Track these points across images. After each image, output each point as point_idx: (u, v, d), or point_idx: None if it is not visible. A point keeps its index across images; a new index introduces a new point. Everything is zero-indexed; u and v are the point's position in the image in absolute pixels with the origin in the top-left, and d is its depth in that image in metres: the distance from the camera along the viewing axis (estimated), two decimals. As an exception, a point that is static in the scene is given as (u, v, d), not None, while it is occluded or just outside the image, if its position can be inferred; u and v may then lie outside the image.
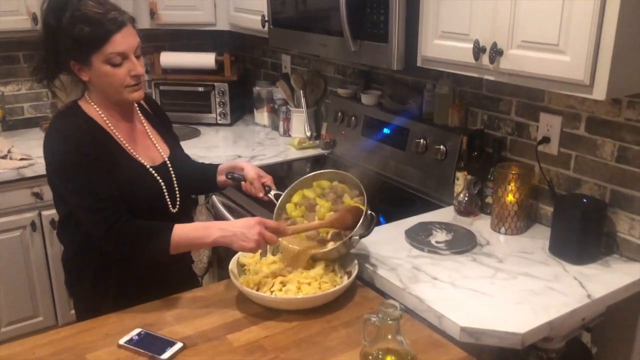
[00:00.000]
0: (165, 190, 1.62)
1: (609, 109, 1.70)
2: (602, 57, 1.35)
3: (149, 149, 1.65)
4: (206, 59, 3.25)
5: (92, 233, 1.48)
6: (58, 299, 2.82)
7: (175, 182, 1.66)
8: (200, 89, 3.25)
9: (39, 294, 2.80)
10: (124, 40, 1.49)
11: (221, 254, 2.40)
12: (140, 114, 1.70)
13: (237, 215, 2.25)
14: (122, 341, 1.35)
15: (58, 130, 1.52)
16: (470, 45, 1.61)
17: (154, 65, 3.36)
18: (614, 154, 1.72)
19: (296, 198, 1.71)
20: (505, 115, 2.03)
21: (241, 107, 3.42)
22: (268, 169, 2.53)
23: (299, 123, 2.96)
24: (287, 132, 3.05)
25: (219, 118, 3.28)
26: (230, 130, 3.25)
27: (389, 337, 1.19)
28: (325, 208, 1.64)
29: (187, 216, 1.76)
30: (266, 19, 2.46)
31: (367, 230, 1.58)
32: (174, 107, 3.31)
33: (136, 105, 1.69)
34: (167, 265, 1.58)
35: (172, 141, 1.78)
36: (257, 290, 1.51)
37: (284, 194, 1.72)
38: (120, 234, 1.45)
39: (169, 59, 3.29)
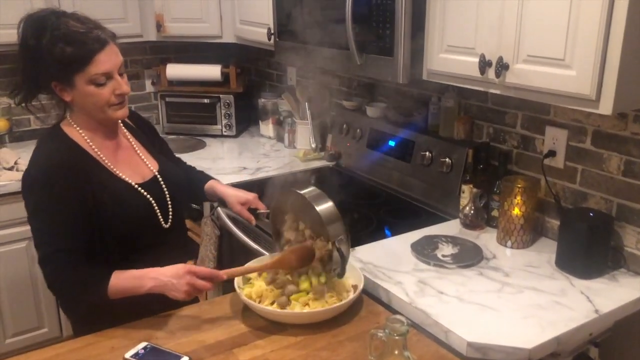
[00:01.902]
0: (155, 206, 1.59)
1: (615, 122, 1.70)
2: (608, 72, 1.35)
3: (137, 166, 1.63)
4: (212, 71, 3.27)
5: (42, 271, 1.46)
6: (63, 311, 2.81)
7: (167, 195, 1.63)
8: (206, 100, 3.26)
9: (44, 305, 2.80)
10: (108, 59, 1.45)
11: (227, 267, 2.39)
12: (126, 131, 1.67)
13: (242, 227, 2.25)
14: (128, 355, 1.35)
15: (37, 160, 1.48)
16: (476, 59, 1.62)
17: (160, 77, 3.38)
18: (621, 167, 1.71)
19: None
20: (511, 128, 2.03)
21: (246, 119, 3.43)
22: (273, 180, 2.55)
23: (304, 135, 2.96)
24: (292, 144, 3.06)
25: (224, 130, 3.29)
26: (235, 141, 3.26)
27: (396, 352, 1.19)
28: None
29: (180, 230, 1.74)
30: (272, 31, 2.47)
31: (341, 268, 1.52)
32: (179, 118, 3.34)
33: (120, 122, 1.66)
34: None
35: (160, 154, 1.75)
36: (260, 301, 1.51)
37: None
38: (61, 287, 1.46)
39: (175, 71, 3.31)
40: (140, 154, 1.66)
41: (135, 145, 1.66)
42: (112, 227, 1.50)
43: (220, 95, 3.25)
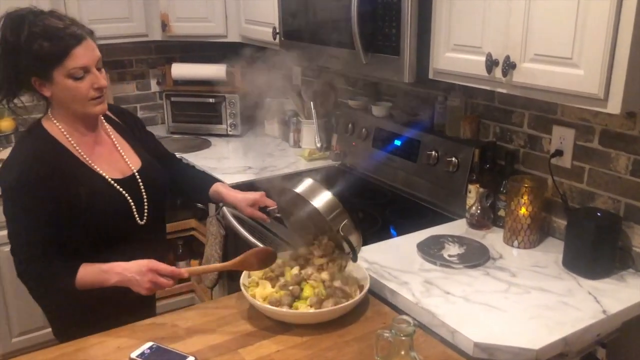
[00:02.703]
0: (132, 202, 1.61)
1: (623, 122, 1.69)
2: (616, 71, 1.34)
3: (116, 162, 1.64)
4: (217, 71, 3.27)
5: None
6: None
7: (144, 193, 1.65)
8: (211, 100, 3.26)
9: (50, 304, 2.80)
10: (85, 54, 1.48)
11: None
12: (108, 127, 1.69)
13: (247, 227, 2.25)
14: (134, 354, 1.35)
15: (14, 157, 1.52)
16: (483, 58, 1.61)
17: (165, 77, 3.38)
18: (629, 167, 1.70)
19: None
20: (517, 128, 2.02)
21: (251, 119, 3.42)
22: (278, 180, 2.56)
23: (310, 134, 2.95)
24: (297, 144, 3.06)
25: (229, 129, 3.29)
26: (240, 141, 3.26)
27: (402, 352, 1.18)
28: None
29: (158, 229, 1.74)
30: (277, 30, 2.47)
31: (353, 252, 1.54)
32: (185, 118, 3.33)
33: (103, 118, 1.68)
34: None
35: (146, 151, 1.76)
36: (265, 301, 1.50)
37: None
38: (29, 277, 1.52)
39: (180, 70, 3.31)
40: (121, 151, 1.67)
41: (116, 141, 1.68)
42: (86, 221, 1.53)
43: (226, 95, 3.25)
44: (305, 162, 2.83)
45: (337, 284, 1.52)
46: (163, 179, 1.76)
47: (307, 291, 1.51)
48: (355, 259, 1.56)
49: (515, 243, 1.86)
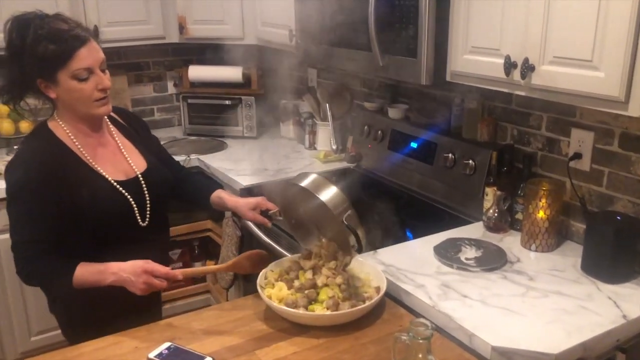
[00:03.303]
0: (134, 204, 1.63)
1: (644, 124, 1.67)
2: (638, 73, 1.32)
3: (120, 164, 1.66)
4: (233, 73, 3.28)
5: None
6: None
7: (147, 195, 1.66)
8: (228, 102, 3.28)
9: (68, 304, 2.83)
10: (89, 55, 1.51)
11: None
12: (113, 128, 1.71)
13: (263, 228, 2.25)
14: (151, 355, 1.36)
15: (20, 155, 1.56)
16: (501, 61, 1.60)
17: (182, 79, 3.40)
18: (649, 170, 1.68)
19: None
20: (535, 131, 2.00)
21: (267, 120, 3.43)
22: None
23: (325, 136, 2.96)
24: (312, 145, 3.06)
25: (245, 131, 3.30)
26: (256, 143, 3.27)
27: (420, 356, 1.18)
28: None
29: (160, 230, 1.76)
30: (294, 33, 2.47)
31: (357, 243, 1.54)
32: (201, 120, 3.35)
33: (107, 120, 1.70)
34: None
35: (151, 153, 1.77)
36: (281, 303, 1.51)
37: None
38: (28, 275, 1.53)
39: (197, 72, 3.33)
40: (125, 153, 1.69)
41: (120, 143, 1.70)
42: (88, 222, 1.55)
43: (242, 97, 3.26)
44: (320, 164, 2.84)
45: (345, 286, 1.52)
46: (167, 181, 1.78)
47: (323, 294, 1.51)
48: (360, 250, 1.55)
49: (533, 246, 1.84)
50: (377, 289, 1.56)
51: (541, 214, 1.80)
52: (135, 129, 1.80)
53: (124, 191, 1.62)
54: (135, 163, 1.69)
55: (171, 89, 3.60)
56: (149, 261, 1.50)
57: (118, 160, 1.67)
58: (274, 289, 1.56)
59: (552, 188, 1.82)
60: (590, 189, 1.85)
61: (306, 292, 1.51)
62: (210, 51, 3.36)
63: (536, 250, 1.84)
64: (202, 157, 2.96)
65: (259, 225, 2.26)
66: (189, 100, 3.34)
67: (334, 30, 2.22)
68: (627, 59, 1.32)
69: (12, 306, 2.73)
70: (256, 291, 1.56)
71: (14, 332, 2.76)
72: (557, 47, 1.48)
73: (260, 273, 1.62)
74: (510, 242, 1.90)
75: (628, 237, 1.64)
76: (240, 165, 2.84)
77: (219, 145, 3.20)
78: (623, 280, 1.64)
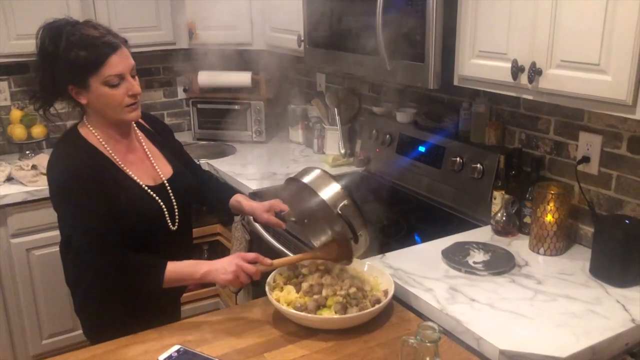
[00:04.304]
0: (165, 208, 1.65)
1: (652, 128, 1.67)
2: (645, 77, 1.33)
3: (148, 169, 1.68)
4: (242, 78, 3.31)
5: (87, 263, 1.52)
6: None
7: (174, 200, 1.68)
8: (237, 107, 3.30)
9: (79, 307, 2.86)
10: (120, 62, 1.52)
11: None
12: (140, 134, 1.73)
13: (272, 232, 2.27)
14: (161, 357, 1.37)
15: (59, 158, 1.57)
16: (509, 65, 1.61)
17: (192, 84, 3.43)
18: (658, 174, 1.68)
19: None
20: (543, 134, 2.00)
21: (276, 125, 3.45)
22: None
23: (333, 140, 2.97)
24: (321, 150, 3.07)
25: (254, 135, 3.32)
26: (265, 147, 3.29)
27: (427, 359, 1.18)
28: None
29: (187, 233, 1.78)
30: (302, 38, 2.49)
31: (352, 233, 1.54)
32: (210, 124, 3.38)
33: (135, 125, 1.72)
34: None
35: (175, 158, 1.79)
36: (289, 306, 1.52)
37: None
38: (116, 269, 1.50)
39: (207, 77, 3.36)
40: (152, 158, 1.71)
41: (147, 149, 1.72)
42: (124, 226, 1.56)
43: (251, 102, 3.28)
44: (329, 168, 2.84)
45: (353, 290, 1.54)
46: (192, 187, 1.80)
47: (332, 299, 1.52)
48: (356, 241, 1.55)
49: (542, 250, 1.84)
50: (385, 293, 1.56)
51: (549, 218, 1.80)
52: (161, 134, 1.82)
53: (155, 196, 1.63)
54: (162, 169, 1.71)
55: (181, 94, 3.62)
56: (241, 254, 1.53)
57: (146, 166, 1.68)
58: (282, 292, 1.57)
59: (561, 192, 1.82)
60: (599, 193, 1.85)
61: (315, 297, 1.52)
62: (219, 56, 3.39)
63: (544, 254, 1.84)
64: (212, 162, 2.98)
65: (268, 229, 2.27)
66: (199, 105, 3.37)
67: (342, 35, 2.23)
68: (635, 63, 1.33)
69: (24, 309, 2.75)
70: (265, 295, 1.57)
71: (26, 334, 2.79)
72: (564, 51, 1.48)
73: (270, 276, 1.63)
74: (519, 245, 1.90)
75: (637, 240, 1.64)
76: (249, 170, 2.86)
77: (228, 149, 3.22)
78: (632, 284, 1.63)
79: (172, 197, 1.68)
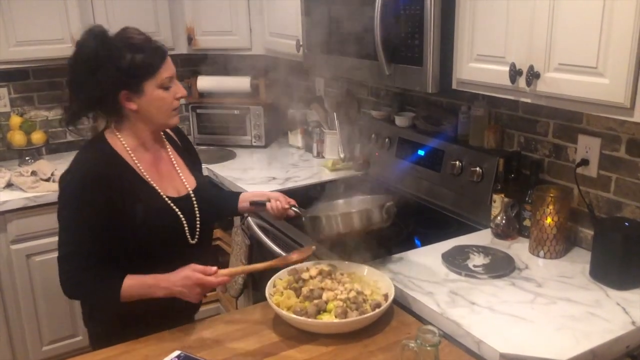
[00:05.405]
0: (185, 222, 1.62)
1: (651, 130, 1.67)
2: (643, 80, 1.33)
3: (173, 180, 1.66)
4: (242, 83, 3.31)
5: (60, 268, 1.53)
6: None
7: (197, 214, 1.66)
8: (236, 111, 3.30)
9: (79, 313, 2.83)
10: (171, 65, 1.56)
11: (255, 276, 2.42)
12: (168, 145, 1.72)
13: (272, 237, 2.27)
14: (161, 363, 1.37)
15: (76, 164, 1.54)
16: (507, 68, 1.61)
17: (191, 89, 3.43)
18: (657, 176, 1.68)
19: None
20: (542, 137, 2.01)
21: (275, 130, 3.46)
22: (302, 190, 2.57)
23: (333, 145, 2.97)
24: (320, 154, 3.07)
25: (254, 140, 3.33)
26: (264, 152, 3.29)
27: (428, 363, 1.18)
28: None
29: (205, 246, 1.76)
30: (301, 43, 2.49)
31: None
32: (210, 129, 3.39)
33: (163, 135, 1.71)
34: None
35: (198, 172, 1.80)
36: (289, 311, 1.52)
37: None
38: (74, 288, 1.53)
39: (206, 83, 3.37)
40: (178, 169, 1.70)
41: (174, 160, 1.71)
42: (139, 237, 1.54)
43: (250, 107, 3.29)
44: (328, 172, 2.85)
45: (353, 294, 1.54)
46: (215, 199, 1.81)
47: (332, 303, 1.52)
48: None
49: (541, 253, 1.84)
50: (385, 297, 1.56)
51: (549, 221, 1.80)
52: (185, 146, 1.82)
53: (175, 208, 1.61)
54: (187, 180, 1.70)
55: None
56: (193, 265, 1.51)
57: (171, 177, 1.67)
58: (282, 297, 1.57)
59: (560, 194, 1.82)
60: (598, 195, 1.85)
61: (315, 301, 1.52)
62: (218, 62, 3.40)
63: (544, 257, 1.84)
64: (211, 167, 2.98)
65: (268, 233, 2.28)
66: (198, 110, 3.37)
67: (340, 39, 2.24)
68: (632, 65, 1.33)
69: (24, 315, 2.75)
70: (265, 300, 1.57)
71: (26, 341, 2.79)
72: (562, 54, 1.49)
73: (270, 281, 1.63)
74: (519, 248, 1.90)
75: (637, 243, 1.64)
76: (248, 174, 2.86)
77: (227, 154, 3.23)
78: (632, 287, 1.63)
79: (196, 208, 1.66)
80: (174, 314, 1.56)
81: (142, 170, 1.59)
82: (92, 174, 1.51)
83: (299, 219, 1.81)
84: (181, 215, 1.62)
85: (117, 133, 1.59)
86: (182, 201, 1.64)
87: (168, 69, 1.54)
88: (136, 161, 1.58)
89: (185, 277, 1.49)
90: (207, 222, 1.71)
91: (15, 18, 2.71)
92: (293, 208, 1.79)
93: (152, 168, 1.62)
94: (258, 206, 1.84)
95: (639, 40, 1.31)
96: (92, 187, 1.49)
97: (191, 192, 1.67)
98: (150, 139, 1.63)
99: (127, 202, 1.52)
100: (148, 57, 1.50)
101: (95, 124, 1.67)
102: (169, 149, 1.71)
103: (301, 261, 1.67)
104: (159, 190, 1.60)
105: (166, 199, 1.60)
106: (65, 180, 1.54)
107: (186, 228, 1.63)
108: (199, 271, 1.50)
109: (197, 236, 1.66)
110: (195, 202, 1.67)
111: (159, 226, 1.57)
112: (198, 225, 1.66)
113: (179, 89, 1.58)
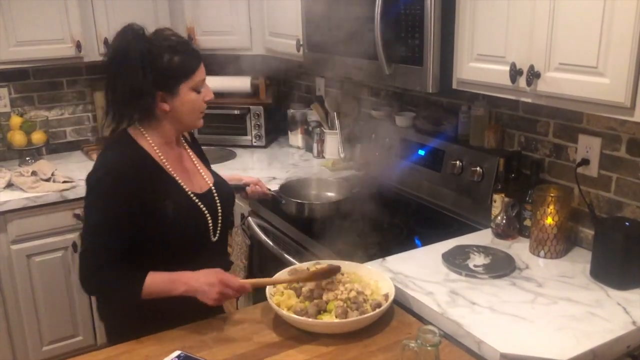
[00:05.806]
0: (209, 219, 1.63)
1: (651, 130, 1.67)
2: (643, 79, 1.33)
3: (195, 176, 1.67)
4: (242, 83, 3.31)
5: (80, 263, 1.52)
6: (97, 319, 2.87)
7: (219, 209, 1.67)
8: (236, 112, 3.30)
9: (79, 314, 2.86)
10: (203, 68, 1.57)
11: (257, 276, 2.42)
12: (185, 144, 1.73)
13: (273, 237, 2.27)
14: (162, 363, 1.37)
15: (103, 161, 1.54)
16: (507, 68, 1.61)
17: (191, 89, 3.43)
18: (657, 176, 1.68)
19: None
20: (542, 137, 2.01)
21: (276, 129, 3.46)
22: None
23: (333, 145, 2.97)
24: (321, 154, 3.07)
25: (254, 140, 3.33)
26: (265, 152, 3.29)
27: (428, 363, 1.18)
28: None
29: (224, 243, 1.76)
30: (301, 43, 2.49)
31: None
32: (210, 129, 3.36)
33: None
34: None
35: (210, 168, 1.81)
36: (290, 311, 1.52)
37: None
38: (97, 285, 1.51)
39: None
40: (198, 166, 1.71)
41: (194, 158, 1.72)
42: (165, 234, 1.55)
43: (250, 107, 3.29)
44: (329, 172, 2.85)
45: (354, 294, 1.53)
46: (232, 195, 1.82)
47: (332, 303, 1.52)
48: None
49: (542, 253, 1.84)
50: (386, 297, 1.56)
51: (549, 221, 1.80)
52: (198, 147, 1.83)
53: (201, 205, 1.61)
54: (207, 176, 1.71)
55: (180, 99, 3.62)
56: (221, 270, 1.51)
57: (194, 174, 1.68)
58: (283, 297, 1.57)
59: (560, 194, 1.82)
60: (599, 195, 1.85)
61: (316, 301, 1.52)
62: (218, 62, 3.40)
63: (545, 257, 1.83)
64: (212, 167, 2.97)
65: (268, 233, 2.28)
66: (198, 111, 3.37)
67: (340, 39, 2.23)
68: (632, 65, 1.33)
69: (25, 315, 2.75)
70: (265, 300, 1.57)
71: (26, 341, 2.78)
72: (562, 54, 1.48)
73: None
74: (519, 248, 1.90)
75: (637, 243, 1.64)
76: (249, 174, 2.82)
77: (228, 154, 3.23)
78: (633, 287, 1.63)
79: (218, 204, 1.67)
80: (190, 314, 1.54)
81: (169, 168, 1.59)
82: (121, 169, 1.51)
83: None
84: (206, 212, 1.62)
85: (144, 131, 1.58)
86: (206, 197, 1.65)
87: (202, 72, 1.55)
88: (163, 159, 1.59)
89: (209, 274, 1.49)
90: (226, 217, 1.73)
91: (15, 18, 2.70)
92: (271, 191, 1.88)
93: (177, 165, 1.63)
94: (238, 190, 1.93)
95: (639, 39, 1.31)
96: (121, 182, 1.49)
97: (213, 187, 1.69)
98: (174, 138, 1.64)
99: (158, 200, 1.53)
100: (186, 59, 1.51)
101: (105, 124, 1.65)
102: (187, 147, 1.73)
103: (324, 278, 1.60)
104: (185, 188, 1.61)
105: (192, 196, 1.61)
106: (93, 177, 1.52)
107: (210, 225, 1.64)
108: (226, 278, 1.50)
109: (218, 233, 1.67)
110: (216, 196, 1.68)
111: (187, 224, 1.58)
112: (220, 221, 1.67)
113: (208, 92, 1.59)
